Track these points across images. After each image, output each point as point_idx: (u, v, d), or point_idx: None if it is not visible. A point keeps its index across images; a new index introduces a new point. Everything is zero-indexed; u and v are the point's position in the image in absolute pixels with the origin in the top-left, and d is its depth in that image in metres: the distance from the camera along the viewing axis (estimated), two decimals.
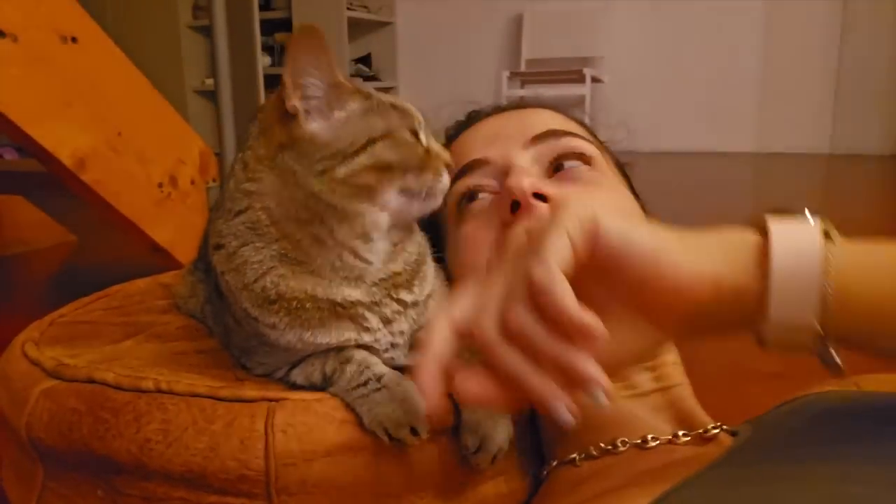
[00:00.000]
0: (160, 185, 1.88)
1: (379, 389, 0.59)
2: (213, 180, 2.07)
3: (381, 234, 0.61)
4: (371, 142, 0.58)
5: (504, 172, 0.71)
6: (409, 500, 0.61)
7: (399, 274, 0.63)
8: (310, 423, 0.59)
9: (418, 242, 0.66)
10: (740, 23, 5.16)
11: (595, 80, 5.08)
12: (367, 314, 0.62)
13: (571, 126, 0.77)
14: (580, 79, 5.00)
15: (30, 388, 0.66)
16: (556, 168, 0.72)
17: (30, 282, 2.41)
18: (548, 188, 0.67)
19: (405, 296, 0.63)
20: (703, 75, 5.28)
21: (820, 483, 0.44)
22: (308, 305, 0.60)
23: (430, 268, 0.67)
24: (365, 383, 0.60)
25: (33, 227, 2.67)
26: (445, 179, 0.62)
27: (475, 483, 0.64)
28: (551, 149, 0.72)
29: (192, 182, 1.98)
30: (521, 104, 0.84)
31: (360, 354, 0.62)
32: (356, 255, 0.60)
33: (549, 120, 0.76)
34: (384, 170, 0.58)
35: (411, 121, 0.61)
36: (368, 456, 0.59)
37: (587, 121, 0.84)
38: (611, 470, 0.61)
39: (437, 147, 0.63)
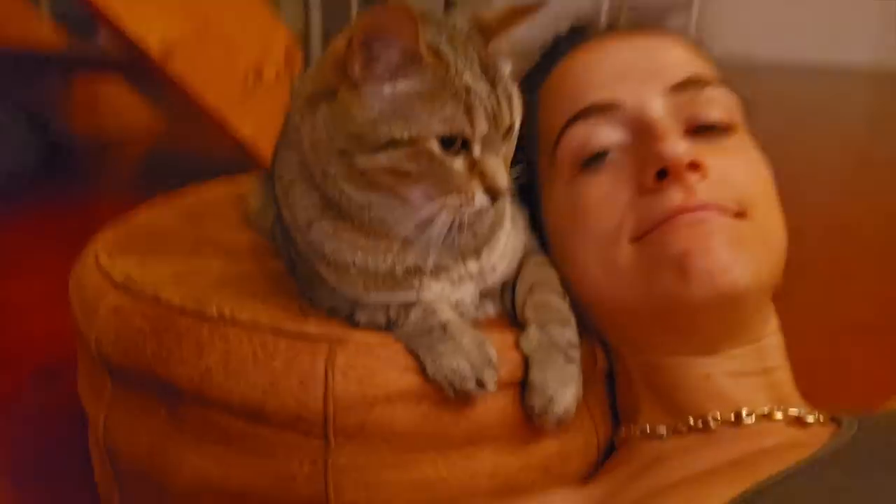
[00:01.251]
0: (246, 78, 1.86)
1: (444, 340, 0.56)
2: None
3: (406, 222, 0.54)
4: (392, 144, 0.50)
5: (637, 122, 0.60)
6: (470, 452, 0.59)
7: (466, 243, 0.58)
8: (372, 367, 0.57)
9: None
10: None
11: None
12: (427, 281, 0.57)
13: (708, 67, 0.65)
14: None
15: (99, 299, 0.66)
16: (696, 130, 0.60)
17: (122, 166, 2.49)
18: (705, 159, 0.57)
19: (472, 265, 0.59)
20: None
21: None
22: (353, 272, 0.57)
23: (503, 231, 0.62)
24: (430, 331, 0.57)
25: (129, 109, 2.73)
26: (479, 201, 0.52)
27: (540, 439, 0.61)
28: (692, 102, 0.61)
29: (277, 76, 1.95)
30: (641, 24, 0.70)
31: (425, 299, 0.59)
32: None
33: (686, 60, 0.64)
34: (403, 175, 0.51)
35: (462, 127, 0.50)
36: (430, 405, 0.57)
37: (693, 28, 0.72)
38: (699, 450, 0.56)
39: (490, 165, 0.52)
